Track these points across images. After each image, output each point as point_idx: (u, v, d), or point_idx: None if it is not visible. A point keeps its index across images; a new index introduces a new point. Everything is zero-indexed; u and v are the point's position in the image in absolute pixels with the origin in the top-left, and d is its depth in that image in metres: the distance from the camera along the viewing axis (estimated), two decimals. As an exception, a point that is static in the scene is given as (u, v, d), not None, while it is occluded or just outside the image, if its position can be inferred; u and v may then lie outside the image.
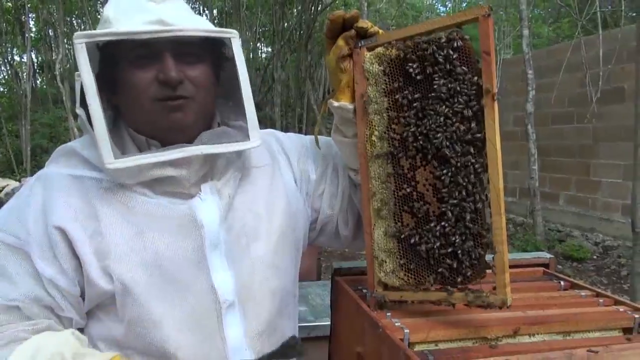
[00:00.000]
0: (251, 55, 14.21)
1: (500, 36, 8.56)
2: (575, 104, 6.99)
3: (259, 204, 1.11)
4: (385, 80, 0.99)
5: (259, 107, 12.34)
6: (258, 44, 14.60)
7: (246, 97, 1.04)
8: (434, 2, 15.88)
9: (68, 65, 11.45)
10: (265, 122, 12.42)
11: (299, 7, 10.76)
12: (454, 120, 0.90)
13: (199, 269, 1.01)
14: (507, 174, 8.58)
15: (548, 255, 1.37)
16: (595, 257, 6.32)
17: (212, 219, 1.03)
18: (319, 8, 10.00)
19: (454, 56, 0.90)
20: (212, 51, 1.05)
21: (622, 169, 6.50)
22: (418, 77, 0.94)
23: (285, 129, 11.63)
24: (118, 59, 0.98)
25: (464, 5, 13.55)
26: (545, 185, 7.66)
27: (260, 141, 1.05)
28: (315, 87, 10.75)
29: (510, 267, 1.29)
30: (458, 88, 0.89)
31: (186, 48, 0.99)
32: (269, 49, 13.45)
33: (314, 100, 9.76)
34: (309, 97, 10.22)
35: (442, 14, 14.68)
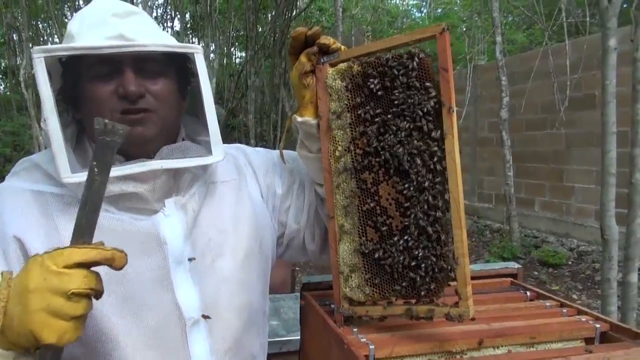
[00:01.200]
0: (225, 61, 14.16)
1: (474, 42, 8.75)
2: (548, 111, 7.18)
3: (225, 219, 1.12)
4: (347, 96, 1.02)
5: (233, 113, 12.30)
6: (232, 49, 14.56)
7: (209, 111, 1.05)
8: (409, 8, 16.13)
9: (33, 71, 11.20)
10: (239, 129, 12.39)
11: (273, 12, 10.79)
12: (414, 134, 0.93)
13: (162, 286, 1.01)
14: (483, 180, 8.74)
15: (516, 266, 1.41)
16: (570, 262, 6.46)
17: (176, 235, 1.04)
18: (293, 13, 10.05)
19: (413, 73, 0.93)
20: (175, 66, 1.06)
21: (594, 175, 6.69)
22: (379, 93, 0.97)
23: (260, 136, 11.60)
24: (79, 73, 1.00)
25: (439, 11, 13.79)
26: (521, 191, 7.82)
27: (222, 156, 1.06)
28: (291, 94, 10.76)
29: (478, 278, 1.34)
30: (417, 103, 0.92)
31: (148, 63, 1.00)
32: (243, 54, 13.44)
33: (289, 107, 9.79)
34: (284, 103, 10.24)
35: (418, 20, 14.90)
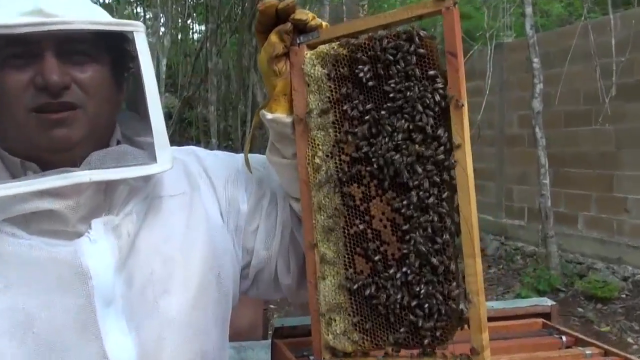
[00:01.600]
0: (179, 37, 14.14)
1: (498, 14, 8.85)
2: (592, 101, 7.25)
3: (172, 245, 1.12)
4: (330, 87, 1.03)
5: (189, 104, 12.27)
6: (188, 21, 14.57)
7: (152, 106, 1.05)
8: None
9: None
10: (197, 124, 12.36)
11: (241, -25, 10.82)
12: (415, 137, 0.94)
13: (86, 333, 1.00)
14: (511, 191, 8.80)
15: (549, 302, 1.43)
16: (624, 295, 6.53)
17: (106, 266, 1.03)
18: (267, -24, 10.06)
19: (413, 58, 0.94)
20: (109, 49, 1.06)
21: (652, 183, 6.77)
22: (370, 83, 0.98)
23: (223, 133, 11.58)
24: None
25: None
26: (560, 204, 7.88)
27: (170, 164, 1.06)
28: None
29: (501, 318, 1.35)
30: (418, 96, 0.94)
31: (74, 45, 1.00)
32: (203, 28, 13.44)
33: (261, 96, 9.79)
34: (255, 91, 10.24)
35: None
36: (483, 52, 8.08)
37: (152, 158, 1.05)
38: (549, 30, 8.92)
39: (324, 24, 1.06)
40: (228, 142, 11.44)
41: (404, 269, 0.95)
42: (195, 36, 15.34)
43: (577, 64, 6.99)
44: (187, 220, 1.15)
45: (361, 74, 0.98)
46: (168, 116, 11.95)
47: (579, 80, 7.30)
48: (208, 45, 10.60)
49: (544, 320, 1.37)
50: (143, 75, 1.04)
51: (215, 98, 10.48)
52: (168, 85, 12.92)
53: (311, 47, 1.04)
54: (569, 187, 7.86)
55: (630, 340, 5.46)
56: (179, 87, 12.92)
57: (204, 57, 11.29)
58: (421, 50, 0.94)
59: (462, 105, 0.90)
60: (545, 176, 6.98)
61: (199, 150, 1.30)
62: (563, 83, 7.04)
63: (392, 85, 0.96)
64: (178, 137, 12.88)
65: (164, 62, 10.80)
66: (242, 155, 1.28)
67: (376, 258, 0.98)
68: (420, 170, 0.93)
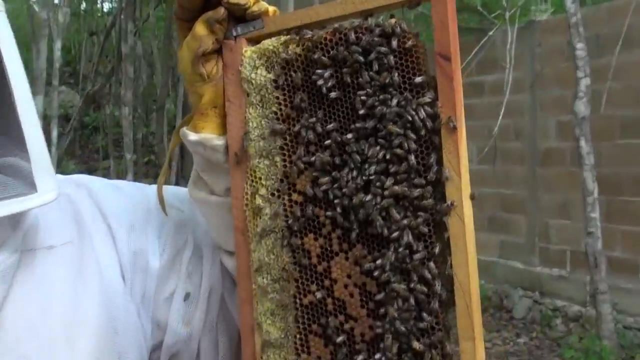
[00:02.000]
0: (82, 8, 14.11)
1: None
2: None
3: (53, 321, 1.12)
4: (277, 98, 1.04)
5: (95, 102, 12.21)
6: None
7: (25, 115, 1.05)
8: None
9: None
10: (106, 129, 12.27)
11: None
12: (393, 170, 0.95)
13: None
14: (548, 227, 8.85)
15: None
16: (702, 374, 6.60)
17: None
18: None
19: (392, 60, 0.95)
20: None
21: None
22: (332, 94, 0.99)
23: (143, 145, 11.52)
24: None
25: None
26: (615, 246, 7.94)
27: (55, 193, 1.06)
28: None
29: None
30: (398, 114, 0.95)
31: None
32: (116, -5, 13.43)
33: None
34: (188, 86, 10.25)
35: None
36: (508, 33, 8.15)
37: (30, 186, 1.05)
38: (598, 4, 9.04)
39: (270, 9, 1.07)
40: (149, 157, 11.40)
41: (378, 356, 0.95)
42: (106, 7, 15.34)
43: (635, 51, 7.08)
44: (75, 283, 1.15)
45: (320, 82, 1.00)
46: (65, 119, 11.85)
47: (638, 74, 7.38)
48: (123, 19, 10.59)
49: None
50: (6, 67, 1.04)
51: (132, 94, 10.44)
52: (65, 75, 12.85)
53: (253, 41, 1.06)
54: (627, 223, 7.92)
55: None
56: (80, 79, 12.85)
57: (116, 36, 11.27)
58: (402, 50, 0.96)
59: (453, 124, 0.92)
60: (594, 207, 7.03)
61: (93, 181, 1.29)
62: (617, 77, 7.12)
63: (363, 97, 0.97)
64: (79, 150, 12.77)
65: (58, 43, 10.73)
66: (153, 188, 1.28)
67: (339, 339, 0.99)
68: (399, 217, 0.94)
